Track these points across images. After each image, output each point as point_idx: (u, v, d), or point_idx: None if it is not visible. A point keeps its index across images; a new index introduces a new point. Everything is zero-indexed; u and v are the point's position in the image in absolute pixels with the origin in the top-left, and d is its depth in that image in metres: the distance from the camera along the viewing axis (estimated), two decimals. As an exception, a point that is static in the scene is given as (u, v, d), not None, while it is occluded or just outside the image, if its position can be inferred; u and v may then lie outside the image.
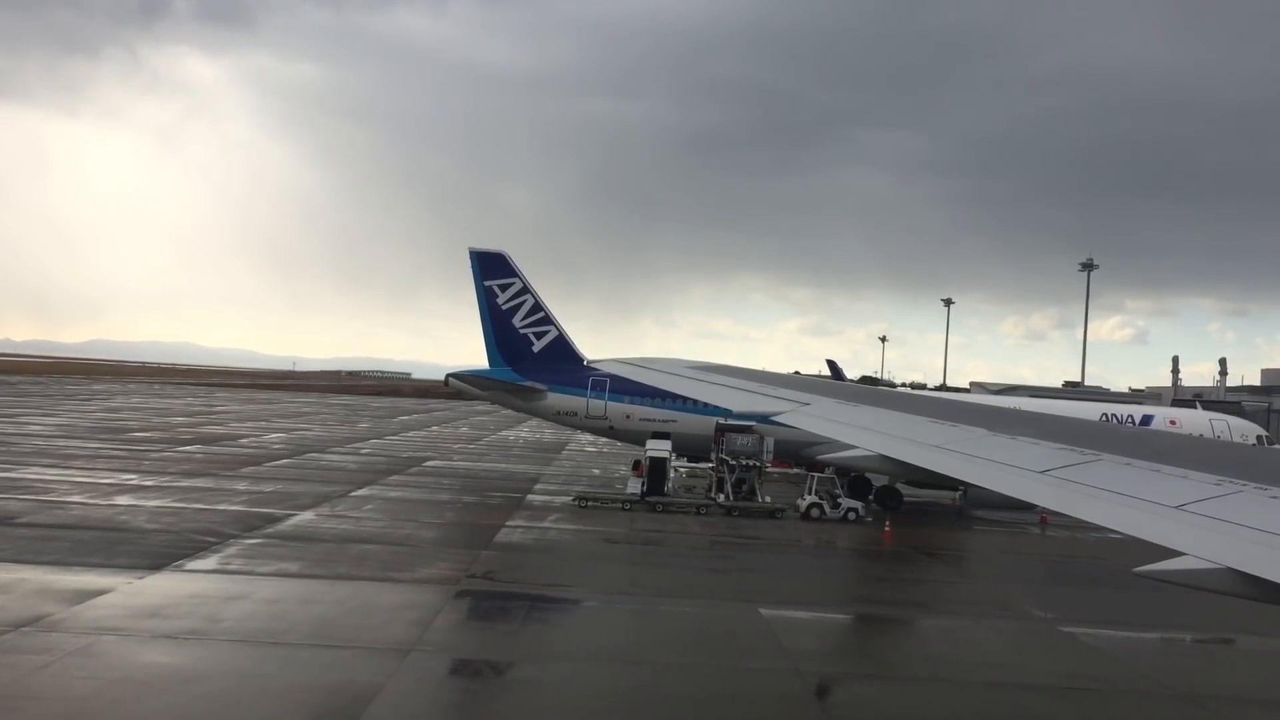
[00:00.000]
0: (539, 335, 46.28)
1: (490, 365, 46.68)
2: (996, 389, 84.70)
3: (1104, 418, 41.71)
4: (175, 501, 31.10)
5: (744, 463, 38.39)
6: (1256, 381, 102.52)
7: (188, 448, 49.84)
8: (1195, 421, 44.32)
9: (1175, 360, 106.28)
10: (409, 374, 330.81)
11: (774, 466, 42.36)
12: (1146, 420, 44.64)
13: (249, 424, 71.47)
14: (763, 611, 21.18)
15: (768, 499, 38.38)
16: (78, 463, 40.32)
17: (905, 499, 42.21)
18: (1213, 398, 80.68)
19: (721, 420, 39.01)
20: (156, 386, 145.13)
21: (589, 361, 44.90)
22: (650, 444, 39.59)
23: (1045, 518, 39.25)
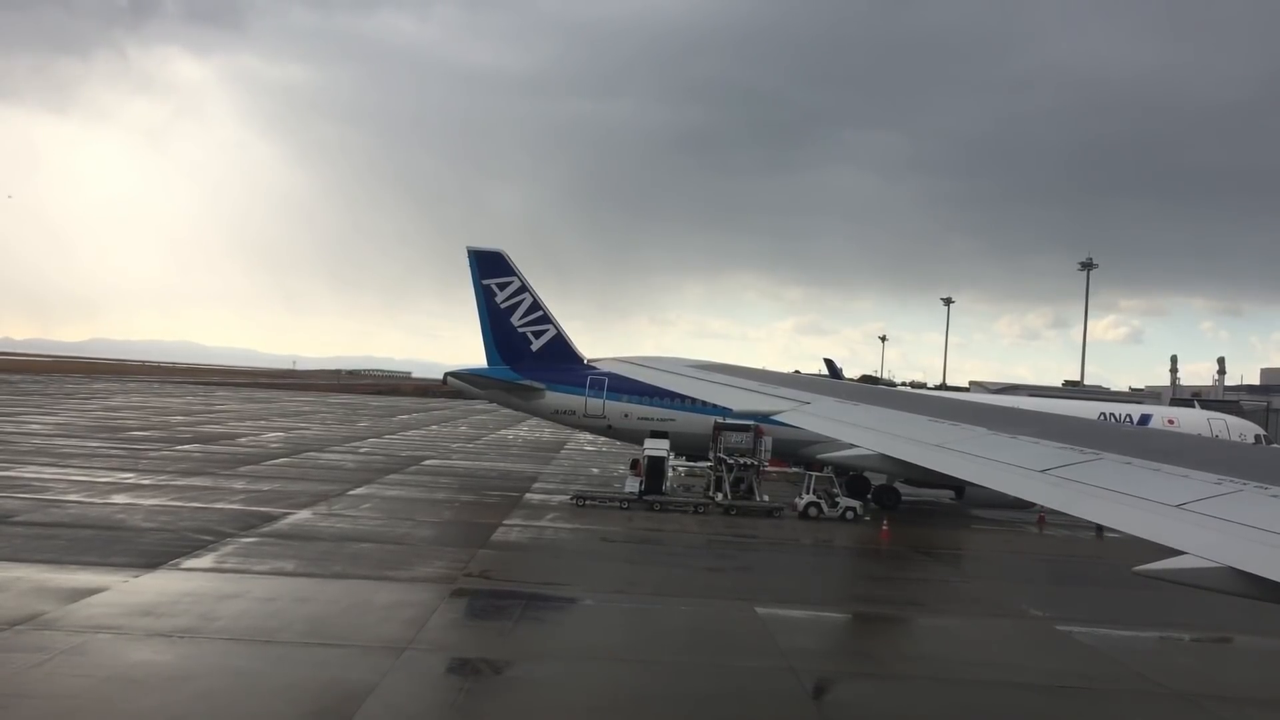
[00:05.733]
0: (537, 334, 46.22)
1: (489, 364, 46.64)
2: (996, 388, 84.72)
3: (1102, 417, 41.66)
4: (172, 500, 31.03)
5: (742, 461, 38.37)
6: (1255, 380, 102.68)
7: (186, 447, 49.78)
8: (1194, 421, 44.30)
9: (1174, 359, 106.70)
10: (409, 373, 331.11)
11: (772, 466, 42.32)
12: (1145, 419, 44.61)
13: (248, 423, 71.42)
14: (759, 610, 21.13)
15: (766, 498, 38.35)
16: (75, 461, 40.26)
17: (903, 498, 42.18)
18: (1211, 397, 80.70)
19: (720, 419, 38.97)
20: (156, 385, 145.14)
21: (588, 360, 44.86)
22: (648, 443, 39.56)
23: (1043, 516, 39.24)
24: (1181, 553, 5.98)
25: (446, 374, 49.81)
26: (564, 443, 67.84)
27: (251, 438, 57.81)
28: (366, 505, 32.96)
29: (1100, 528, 38.39)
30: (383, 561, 23.69)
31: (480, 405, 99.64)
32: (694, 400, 32.58)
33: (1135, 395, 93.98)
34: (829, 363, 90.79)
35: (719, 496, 37.74)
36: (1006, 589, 27.29)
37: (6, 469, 36.38)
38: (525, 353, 45.96)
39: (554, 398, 45.17)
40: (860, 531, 35.43)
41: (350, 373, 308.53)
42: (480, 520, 31.29)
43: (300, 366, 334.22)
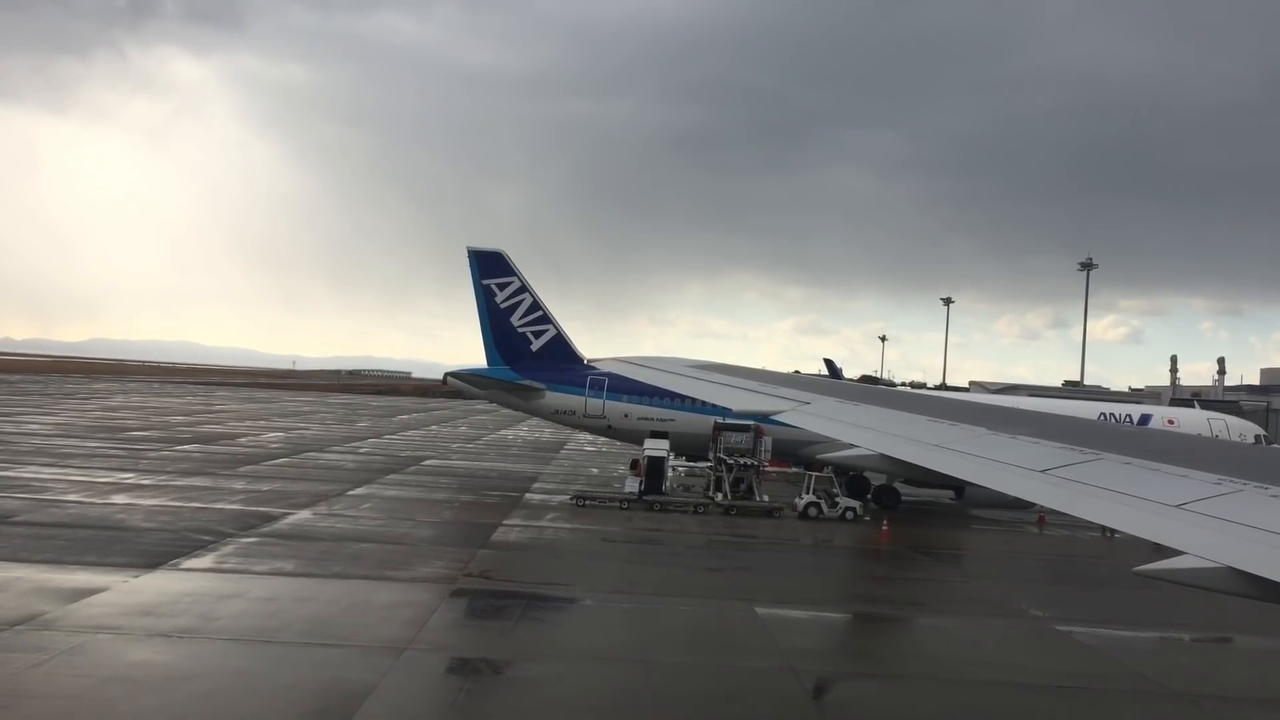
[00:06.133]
0: (537, 334, 46.21)
1: (489, 364, 46.63)
2: (996, 388, 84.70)
3: (1102, 417, 41.66)
4: (172, 500, 31.01)
5: (742, 462, 38.35)
6: (1255, 380, 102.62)
7: (185, 447, 49.76)
8: (1193, 421, 44.29)
9: (1174, 359, 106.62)
10: (409, 373, 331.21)
11: (772, 466, 42.31)
12: (1145, 419, 44.60)
13: (247, 423, 71.40)
14: (759, 610, 21.12)
15: (765, 498, 38.33)
16: (75, 461, 40.24)
17: (903, 498, 42.18)
18: (1211, 397, 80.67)
19: (719, 419, 38.96)
20: (156, 385, 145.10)
21: (588, 360, 44.85)
22: (648, 443, 39.54)
23: (1043, 516, 39.25)
24: (1181, 553, 5.98)
25: (446, 374, 49.81)
26: (564, 443, 67.83)
27: (251, 438, 57.80)
28: (366, 505, 32.95)
29: (1104, 530, 38.52)
30: (383, 561, 23.68)
31: (480, 405, 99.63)
32: (694, 400, 32.57)
33: (1135, 395, 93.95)
34: (829, 363, 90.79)
35: (719, 496, 37.72)
36: (1006, 589, 27.28)
37: (6, 469, 36.36)
38: (525, 353, 45.95)
39: (554, 398, 45.16)
40: (860, 531, 35.42)
41: (350, 373, 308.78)
42: (480, 520, 31.27)
43: (300, 366, 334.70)
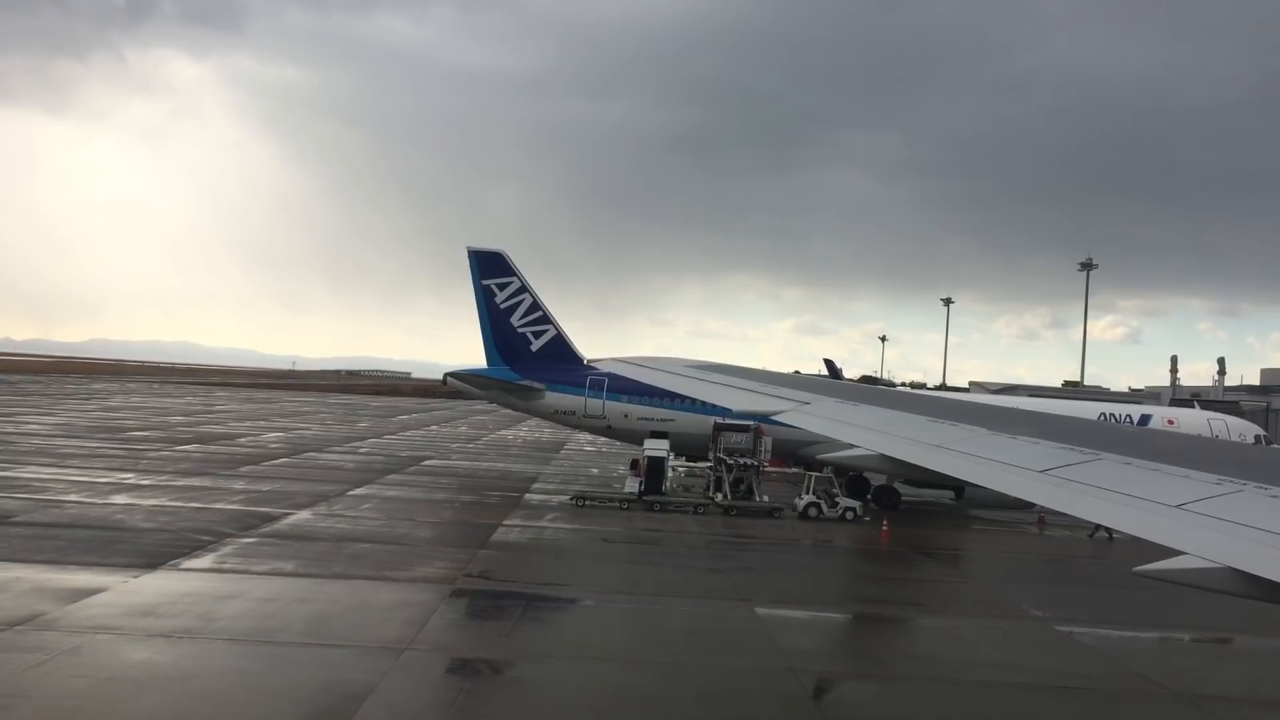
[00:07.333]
0: (537, 334, 46.23)
1: (489, 364, 46.64)
2: (996, 388, 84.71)
3: (1102, 417, 41.67)
4: (172, 500, 31.01)
5: (742, 462, 38.35)
6: (1255, 381, 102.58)
7: (185, 447, 49.76)
8: (1193, 421, 44.31)
9: (1174, 360, 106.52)
10: (409, 373, 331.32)
11: (772, 466, 42.31)
12: (1144, 420, 44.63)
13: (247, 423, 71.41)
14: (759, 610, 21.13)
15: (765, 498, 38.32)
16: (75, 461, 40.24)
17: (903, 498, 42.18)
18: (1211, 397, 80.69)
19: (719, 420, 38.97)
20: (156, 386, 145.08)
21: (587, 360, 44.87)
22: (648, 443, 39.53)
23: (1043, 517, 39.26)
24: (1181, 553, 5.98)
25: (446, 374, 49.82)
26: (564, 443, 67.84)
27: (251, 438, 57.80)
28: (366, 505, 32.94)
29: (1103, 530, 38.45)
30: (383, 562, 23.68)
31: (480, 406, 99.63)
32: (694, 400, 32.57)
33: (1135, 395, 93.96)
34: (829, 363, 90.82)
35: (719, 497, 37.72)
36: (1006, 589, 27.28)
37: (6, 469, 36.35)
38: (525, 353, 45.96)
39: (554, 398, 45.18)
40: (860, 532, 35.42)
41: (349, 373, 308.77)
42: (480, 520, 31.27)
43: (300, 367, 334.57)
